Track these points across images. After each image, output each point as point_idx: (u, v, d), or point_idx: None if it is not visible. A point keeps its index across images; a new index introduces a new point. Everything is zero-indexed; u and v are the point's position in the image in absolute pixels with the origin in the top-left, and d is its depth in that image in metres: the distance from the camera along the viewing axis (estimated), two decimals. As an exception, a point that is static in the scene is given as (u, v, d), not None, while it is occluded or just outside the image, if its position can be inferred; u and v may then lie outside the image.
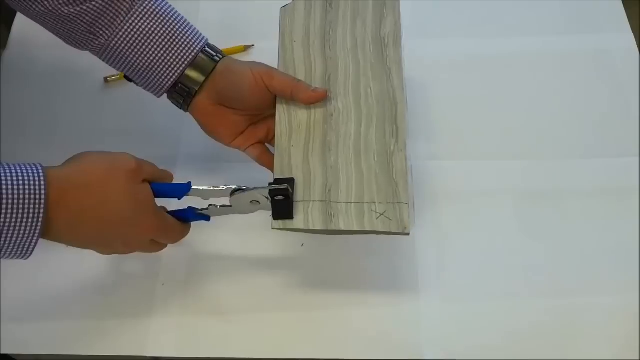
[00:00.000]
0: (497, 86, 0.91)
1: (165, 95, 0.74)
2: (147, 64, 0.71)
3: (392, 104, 0.70)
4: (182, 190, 0.67)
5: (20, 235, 0.57)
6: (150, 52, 0.70)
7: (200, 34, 0.73)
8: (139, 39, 0.70)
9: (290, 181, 0.66)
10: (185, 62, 0.71)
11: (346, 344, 0.73)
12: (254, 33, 0.95)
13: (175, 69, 0.71)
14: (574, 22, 0.96)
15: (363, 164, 0.67)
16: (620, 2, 0.97)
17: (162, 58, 0.70)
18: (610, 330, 0.73)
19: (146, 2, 0.70)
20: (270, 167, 0.70)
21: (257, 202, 0.66)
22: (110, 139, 0.86)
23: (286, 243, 0.79)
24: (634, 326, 0.73)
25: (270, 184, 0.65)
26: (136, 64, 0.71)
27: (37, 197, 0.57)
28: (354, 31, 0.74)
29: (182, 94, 0.72)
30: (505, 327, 0.74)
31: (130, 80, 0.75)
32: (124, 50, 0.70)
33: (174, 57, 0.70)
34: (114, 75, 0.92)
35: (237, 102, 0.72)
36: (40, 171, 0.58)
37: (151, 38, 0.70)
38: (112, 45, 0.71)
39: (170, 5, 0.72)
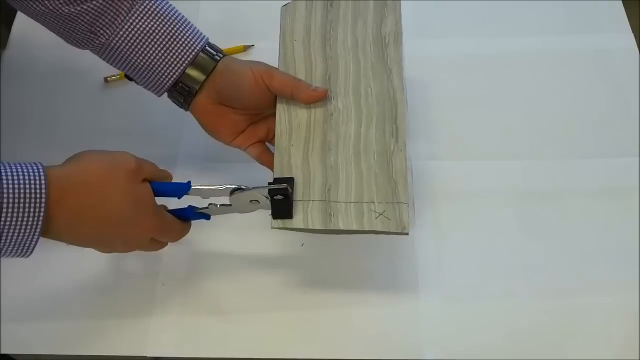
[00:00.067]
0: (497, 86, 0.91)
1: (165, 95, 0.74)
2: (147, 63, 0.71)
3: (392, 103, 0.70)
4: (182, 189, 0.67)
5: (21, 234, 0.57)
6: (151, 51, 0.70)
7: (201, 33, 0.73)
8: (140, 38, 0.70)
9: (290, 180, 0.66)
10: (186, 61, 0.71)
11: (346, 343, 0.73)
12: (254, 33, 0.95)
13: (176, 68, 0.71)
14: (574, 22, 0.96)
15: (362, 164, 0.67)
16: (620, 2, 0.97)
17: (163, 57, 0.70)
18: (610, 330, 0.73)
19: (147, 2, 0.70)
20: (270, 167, 0.70)
21: (257, 201, 0.66)
22: (110, 139, 0.86)
23: (286, 242, 0.79)
24: (634, 326, 0.73)
25: (269, 183, 0.65)
26: (137, 63, 0.71)
27: (38, 196, 0.57)
28: (354, 30, 0.74)
29: (182, 93, 0.72)
30: (505, 327, 0.74)
31: (130, 79, 0.75)
32: (125, 50, 0.70)
33: (174, 56, 0.70)
34: (114, 75, 0.92)
35: (237, 102, 0.72)
36: (41, 170, 0.58)
37: (152, 37, 0.70)
38: (112, 44, 0.71)
39: (171, 5, 0.72)
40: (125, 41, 0.70)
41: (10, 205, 0.56)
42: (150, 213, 0.65)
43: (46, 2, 0.69)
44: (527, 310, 0.75)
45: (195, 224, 0.71)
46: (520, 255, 0.78)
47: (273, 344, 0.74)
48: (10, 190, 0.56)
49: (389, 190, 0.65)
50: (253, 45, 0.95)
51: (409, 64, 0.76)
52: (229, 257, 0.79)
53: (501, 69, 0.92)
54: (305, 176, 0.67)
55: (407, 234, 0.64)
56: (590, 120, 0.87)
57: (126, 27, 0.70)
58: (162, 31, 0.70)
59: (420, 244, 0.79)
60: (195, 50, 0.71)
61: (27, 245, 0.58)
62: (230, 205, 0.68)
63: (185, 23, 0.72)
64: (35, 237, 0.58)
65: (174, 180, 0.70)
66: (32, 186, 0.57)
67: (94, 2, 0.69)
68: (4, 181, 0.56)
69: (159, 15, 0.70)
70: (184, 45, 0.71)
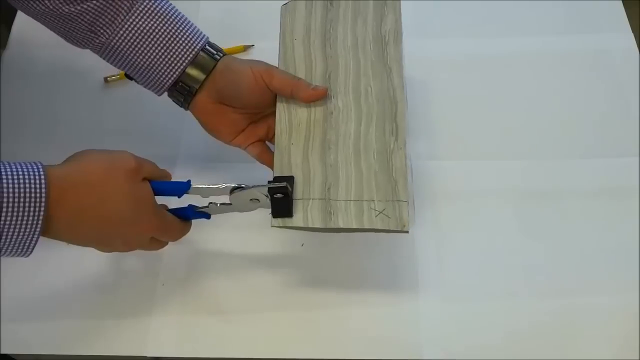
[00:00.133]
0: (497, 86, 0.91)
1: (165, 94, 0.74)
2: (148, 62, 0.71)
3: (392, 102, 0.70)
4: (182, 188, 0.67)
5: (21, 234, 0.57)
6: (151, 51, 0.70)
7: (201, 32, 0.73)
8: (140, 37, 0.70)
9: (290, 179, 0.66)
10: (186, 61, 0.71)
11: (346, 343, 0.73)
12: (254, 33, 0.95)
13: (176, 67, 0.71)
14: (574, 22, 0.96)
15: (362, 162, 0.67)
16: (620, 2, 0.97)
17: (163, 56, 0.70)
18: (610, 330, 0.73)
19: (147, 1, 0.70)
20: (271, 165, 0.70)
21: (257, 200, 0.66)
22: (110, 138, 0.86)
23: (286, 242, 0.79)
24: (634, 326, 0.73)
25: (269, 181, 0.65)
26: (137, 63, 0.71)
27: (38, 195, 0.57)
28: (354, 29, 0.74)
29: (182, 92, 0.72)
30: (505, 327, 0.74)
31: (131, 78, 0.75)
32: (125, 49, 0.70)
33: (174, 56, 0.71)
34: (114, 75, 0.92)
35: (237, 101, 0.72)
36: (41, 170, 0.58)
37: (152, 36, 0.70)
38: (113, 43, 0.71)
39: (171, 4, 0.72)
40: (126, 40, 0.70)
41: (10, 204, 0.56)
42: (150, 212, 0.65)
43: (46, 1, 0.69)
44: (527, 310, 0.75)
45: (196, 223, 0.71)
46: (520, 255, 0.78)
47: (273, 344, 0.74)
48: (10, 190, 0.56)
49: (388, 188, 0.65)
50: (253, 45, 0.95)
51: (408, 63, 0.76)
52: (229, 256, 0.79)
53: (501, 69, 0.92)
54: (305, 175, 0.67)
55: (407, 232, 0.64)
56: (590, 120, 0.87)
57: (126, 26, 0.70)
58: (162, 30, 0.70)
59: (420, 244, 0.79)
60: (196, 50, 0.71)
61: (27, 244, 0.58)
62: (230, 204, 0.68)
63: (186, 22, 0.72)
64: (35, 236, 0.58)
65: (173, 180, 0.70)
66: (32, 186, 0.57)
67: (94, 2, 0.69)
68: (4, 181, 0.56)
69: (159, 14, 0.70)
70: (184, 44, 0.71)
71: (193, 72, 0.71)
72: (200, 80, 0.71)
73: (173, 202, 0.69)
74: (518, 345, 0.73)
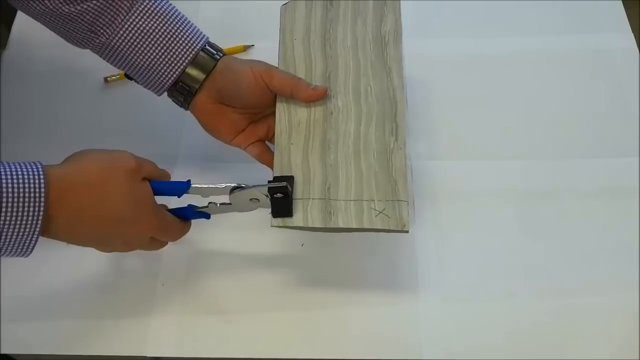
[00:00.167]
0: (497, 86, 0.91)
1: (165, 94, 0.74)
2: (148, 62, 0.71)
3: (392, 102, 0.70)
4: (182, 188, 0.67)
5: (21, 234, 0.57)
6: (151, 51, 0.70)
7: (201, 32, 0.73)
8: (140, 37, 0.70)
9: (290, 179, 0.66)
10: (186, 61, 0.71)
11: (346, 343, 0.73)
12: (254, 33, 0.95)
13: (176, 67, 0.71)
14: (574, 22, 0.96)
15: (362, 162, 0.67)
16: (620, 2, 0.97)
17: (163, 56, 0.70)
18: (610, 330, 0.73)
19: (147, 1, 0.70)
20: (270, 165, 0.70)
21: (257, 199, 0.66)
22: (110, 138, 0.85)
23: (286, 242, 0.79)
24: (634, 326, 0.73)
25: (269, 181, 0.65)
26: (137, 63, 0.71)
27: (37, 195, 0.57)
28: (354, 29, 0.74)
29: (182, 92, 0.72)
30: (505, 327, 0.74)
31: (130, 78, 0.75)
32: (125, 49, 0.70)
33: (174, 56, 0.71)
34: (114, 75, 0.92)
35: (237, 101, 0.72)
36: (40, 170, 0.58)
37: (152, 36, 0.70)
38: (113, 43, 0.71)
39: (171, 4, 0.72)
40: (126, 40, 0.70)
41: (10, 204, 0.56)
42: (150, 212, 0.65)
43: (46, 1, 0.69)
44: (527, 310, 0.75)
45: (195, 223, 0.71)
46: (520, 255, 0.78)
47: (273, 344, 0.74)
48: (10, 190, 0.56)
49: (388, 188, 0.65)
50: (253, 45, 0.95)
51: (408, 63, 0.76)
52: (228, 256, 0.79)
53: (501, 69, 0.92)
54: (305, 174, 0.67)
55: (407, 231, 0.64)
56: (590, 120, 0.87)
57: (126, 26, 0.70)
58: (162, 30, 0.70)
59: (420, 244, 0.78)
60: (196, 50, 0.71)
61: (26, 244, 0.58)
62: (230, 204, 0.68)
63: (186, 22, 0.72)
64: (35, 236, 0.58)
65: (173, 179, 0.69)
66: (32, 186, 0.57)
67: (94, 2, 0.69)
68: (4, 181, 0.56)
69: (159, 14, 0.70)
70: (184, 44, 0.71)
71: (193, 72, 0.71)
72: (200, 80, 0.71)
73: (173, 202, 0.69)
74: (518, 345, 0.73)
